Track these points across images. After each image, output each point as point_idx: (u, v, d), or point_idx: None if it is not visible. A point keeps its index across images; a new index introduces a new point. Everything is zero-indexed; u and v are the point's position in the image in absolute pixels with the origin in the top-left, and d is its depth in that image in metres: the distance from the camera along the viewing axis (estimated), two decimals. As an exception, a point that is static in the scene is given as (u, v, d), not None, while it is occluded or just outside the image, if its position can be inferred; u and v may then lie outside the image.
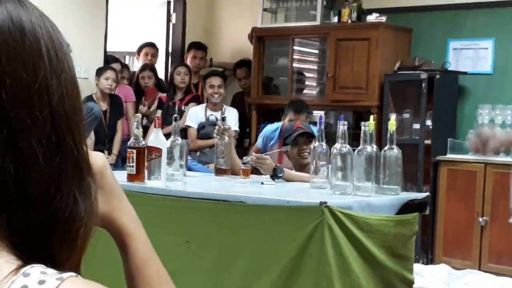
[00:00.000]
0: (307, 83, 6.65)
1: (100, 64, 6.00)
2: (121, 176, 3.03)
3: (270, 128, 4.40)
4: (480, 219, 5.01)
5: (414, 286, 2.98)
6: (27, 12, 0.72)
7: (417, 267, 3.27)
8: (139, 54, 6.72)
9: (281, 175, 3.38)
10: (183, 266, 2.74)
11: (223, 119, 3.88)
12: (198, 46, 6.73)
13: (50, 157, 0.69)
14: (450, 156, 5.29)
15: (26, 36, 0.70)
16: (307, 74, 6.63)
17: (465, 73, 5.62)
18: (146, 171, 2.97)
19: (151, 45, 6.71)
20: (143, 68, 6.48)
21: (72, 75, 0.74)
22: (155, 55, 6.70)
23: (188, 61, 6.63)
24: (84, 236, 0.72)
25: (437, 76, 5.41)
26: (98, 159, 0.81)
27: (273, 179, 3.37)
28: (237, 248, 2.67)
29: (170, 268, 2.70)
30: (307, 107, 4.76)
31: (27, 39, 0.70)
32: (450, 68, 5.66)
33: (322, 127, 3.11)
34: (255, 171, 3.66)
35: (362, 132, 2.88)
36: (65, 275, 0.64)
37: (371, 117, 2.96)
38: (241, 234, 2.66)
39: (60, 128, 0.71)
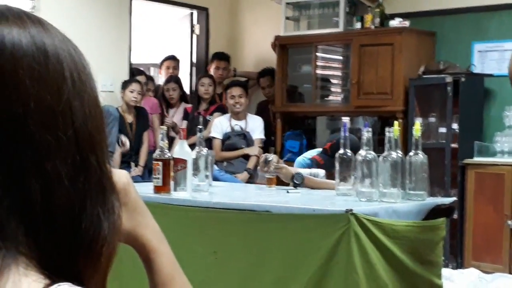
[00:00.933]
0: (331, 89, 6.64)
1: (126, 77, 6.06)
2: (147, 188, 3.05)
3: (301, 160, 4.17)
4: (509, 222, 4.95)
5: (443, 291, 2.96)
6: (50, 36, 0.73)
7: (446, 272, 3.24)
8: (161, 68, 6.80)
9: (299, 182, 3.37)
10: (211, 276, 2.75)
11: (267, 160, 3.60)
12: (221, 57, 6.77)
13: (75, 177, 0.71)
14: (477, 159, 5.24)
15: (49, 60, 0.72)
16: (331, 81, 6.62)
17: (491, 75, 5.57)
18: (172, 183, 2.99)
19: (172, 58, 6.78)
20: (168, 80, 6.53)
21: (95, 96, 0.76)
22: (176, 67, 6.75)
23: (212, 72, 6.67)
24: (109, 253, 0.74)
25: (463, 79, 5.37)
26: (121, 177, 0.83)
27: (295, 187, 3.36)
28: (265, 257, 2.67)
29: (198, 279, 2.72)
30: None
31: (50, 62, 0.72)
32: (476, 71, 5.62)
33: (347, 134, 3.11)
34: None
35: (386, 138, 2.88)
36: (92, 293, 0.66)
37: (396, 123, 2.95)
38: (268, 244, 2.66)
39: (84, 148, 0.72)
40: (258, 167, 3.62)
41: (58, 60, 0.73)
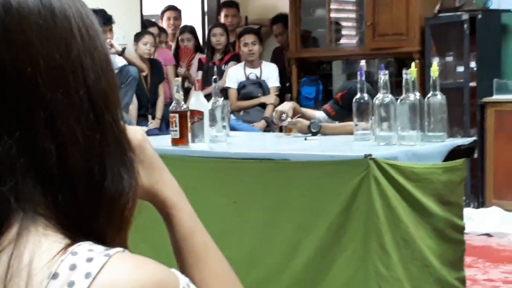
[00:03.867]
0: (345, 32, 6.56)
1: (138, 29, 6.02)
2: (165, 141, 3.06)
3: None
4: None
5: (465, 231, 2.96)
6: (55, -8, 0.72)
7: (468, 212, 3.24)
8: (162, 19, 6.69)
9: (316, 130, 3.34)
10: (232, 226, 2.77)
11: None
12: (229, 4, 6.68)
13: (90, 135, 0.70)
14: (496, 97, 5.18)
15: (56, 17, 0.71)
16: (345, 24, 6.53)
17: (508, 10, 5.46)
18: (189, 135, 2.99)
19: (173, 8, 6.67)
20: (182, 30, 6.47)
21: (105, 52, 0.75)
22: (177, 17, 6.66)
23: (222, 21, 6.59)
24: (131, 210, 0.73)
25: (479, 16, 5.27)
26: (136, 133, 0.82)
27: (313, 135, 3.34)
28: (284, 205, 2.68)
29: (219, 229, 2.74)
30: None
31: (57, 19, 0.71)
32: (492, 7, 5.50)
33: (363, 78, 3.07)
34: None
35: (404, 80, 2.84)
36: (112, 251, 0.66)
37: (413, 64, 2.91)
38: (287, 192, 2.67)
39: (98, 106, 0.71)
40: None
41: (65, 17, 0.71)
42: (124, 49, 5.50)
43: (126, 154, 0.74)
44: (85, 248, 0.66)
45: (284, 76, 6.10)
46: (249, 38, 5.76)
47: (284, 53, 6.49)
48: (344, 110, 3.43)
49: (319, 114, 3.67)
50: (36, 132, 0.68)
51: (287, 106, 3.46)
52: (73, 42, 0.71)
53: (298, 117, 3.47)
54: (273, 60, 6.36)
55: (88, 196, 0.69)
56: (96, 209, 0.70)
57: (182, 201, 0.86)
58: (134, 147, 0.78)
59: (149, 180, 0.83)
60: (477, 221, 3.30)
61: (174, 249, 0.85)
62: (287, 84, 6.27)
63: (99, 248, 0.66)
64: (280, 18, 6.46)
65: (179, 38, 6.46)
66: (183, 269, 0.83)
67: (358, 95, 3.03)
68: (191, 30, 6.49)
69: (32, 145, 0.68)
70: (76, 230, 0.69)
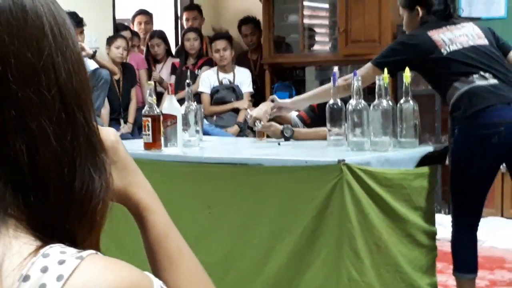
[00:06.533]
0: (319, 39, 6.58)
1: (110, 32, 5.98)
2: (137, 145, 3.03)
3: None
4: (501, 167, 4.97)
5: (437, 237, 2.98)
6: (27, -10, 0.70)
7: (439, 218, 3.26)
8: (133, 23, 6.64)
9: (289, 135, 3.35)
10: (206, 230, 2.76)
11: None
12: (190, 7, 6.66)
13: (62, 135, 0.69)
14: (467, 104, 5.22)
15: (28, 15, 0.69)
16: (318, 30, 6.56)
17: (478, 19, 5.52)
18: (162, 139, 2.97)
19: (144, 12, 6.63)
20: (152, 36, 6.43)
21: (78, 51, 0.74)
22: (149, 22, 6.62)
23: (185, 25, 6.56)
24: (101, 212, 0.72)
25: (451, 24, 5.32)
26: (109, 134, 0.81)
27: (286, 140, 3.34)
28: (258, 210, 2.67)
29: (193, 234, 2.72)
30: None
31: (29, 17, 0.69)
32: (464, 15, 5.55)
33: (336, 84, 3.08)
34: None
35: (376, 86, 2.85)
36: (85, 253, 0.65)
37: (385, 70, 2.93)
38: (261, 197, 2.66)
39: (70, 105, 0.70)
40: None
41: (37, 15, 0.70)
42: (95, 52, 5.46)
43: (98, 155, 0.73)
44: (57, 250, 0.64)
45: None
46: (220, 44, 5.76)
47: (249, 56, 6.47)
48: (319, 118, 3.44)
49: (295, 114, 3.68)
50: (6, 131, 0.66)
51: (262, 110, 3.45)
52: (44, 40, 0.70)
53: (272, 119, 3.47)
54: (238, 65, 6.34)
55: (58, 196, 0.68)
56: (67, 210, 0.69)
57: (155, 204, 0.85)
58: (107, 148, 0.76)
59: (122, 182, 0.82)
60: (449, 227, 3.32)
61: (147, 252, 0.84)
62: (253, 87, 6.24)
63: (71, 251, 0.65)
64: (249, 20, 6.45)
65: (149, 44, 6.42)
66: (157, 273, 0.82)
67: (331, 101, 3.04)
68: (160, 35, 6.43)
69: (2, 144, 0.66)
70: (47, 232, 0.67)
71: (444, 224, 3.71)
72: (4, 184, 0.66)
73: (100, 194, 0.71)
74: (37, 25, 0.70)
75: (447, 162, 3.13)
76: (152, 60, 6.40)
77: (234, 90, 5.79)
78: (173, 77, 6.15)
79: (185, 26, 6.48)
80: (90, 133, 0.72)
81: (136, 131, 5.66)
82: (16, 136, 0.67)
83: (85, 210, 0.70)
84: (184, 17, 6.61)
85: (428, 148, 3.01)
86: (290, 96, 6.19)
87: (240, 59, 6.46)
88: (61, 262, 0.63)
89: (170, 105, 3.01)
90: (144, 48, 6.54)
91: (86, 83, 0.73)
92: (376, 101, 2.84)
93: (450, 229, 3.15)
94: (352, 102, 2.87)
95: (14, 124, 0.67)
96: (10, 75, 0.67)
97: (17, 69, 0.67)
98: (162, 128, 2.96)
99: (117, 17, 6.28)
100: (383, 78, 2.85)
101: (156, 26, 6.70)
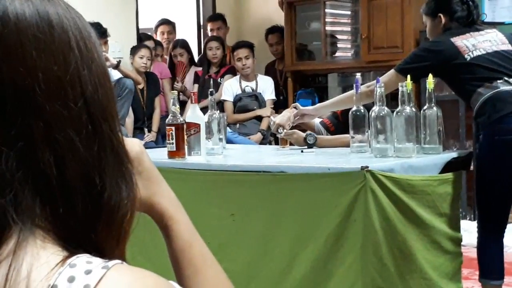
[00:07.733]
0: (341, 45, 6.57)
1: (134, 42, 6.03)
2: (161, 154, 3.05)
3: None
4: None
5: (462, 243, 2.96)
6: (53, 5, 0.72)
7: (465, 224, 3.24)
8: (155, 34, 6.68)
9: (312, 142, 3.34)
10: (230, 238, 2.76)
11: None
12: (214, 18, 6.66)
13: (89, 147, 0.70)
14: (492, 109, 5.18)
15: (54, 29, 0.71)
16: (340, 37, 6.55)
17: (502, 23, 5.48)
18: (186, 147, 2.99)
19: (166, 22, 6.66)
20: (174, 45, 6.46)
21: (103, 64, 0.75)
22: (171, 31, 6.65)
23: (209, 35, 6.58)
24: (129, 222, 0.73)
25: (474, 29, 5.28)
26: (134, 145, 0.82)
27: (309, 147, 3.34)
28: (282, 218, 2.67)
29: (217, 242, 2.73)
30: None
31: (55, 32, 0.71)
32: (487, 20, 5.51)
33: (359, 90, 3.07)
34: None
35: (400, 92, 2.85)
36: (111, 263, 0.65)
37: (408, 76, 2.92)
38: (285, 204, 2.66)
39: (96, 117, 0.71)
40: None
41: (63, 29, 0.71)
42: (119, 62, 5.51)
43: (125, 166, 0.74)
44: (84, 260, 0.66)
45: (277, 89, 6.09)
46: (242, 53, 5.78)
47: (275, 66, 6.48)
48: (343, 125, 3.43)
49: (318, 121, 3.68)
50: (35, 143, 0.68)
51: (285, 117, 3.45)
52: (71, 54, 0.71)
53: (295, 126, 3.47)
54: (266, 74, 6.35)
55: (86, 207, 0.69)
56: (95, 221, 0.70)
57: (179, 213, 0.86)
58: (132, 158, 0.77)
59: (147, 192, 0.83)
60: (474, 233, 3.29)
61: (172, 261, 0.85)
62: (281, 97, 6.25)
63: (98, 261, 0.66)
64: (276, 29, 6.46)
65: (172, 54, 6.45)
66: (181, 281, 0.83)
67: (354, 108, 3.04)
68: (183, 44, 6.45)
69: (31, 157, 0.67)
70: (74, 242, 0.68)
71: (469, 230, 3.68)
72: (32, 196, 0.67)
73: (127, 205, 0.72)
74: (63, 39, 0.71)
75: (472, 167, 3.11)
76: (176, 70, 6.40)
77: (256, 98, 5.81)
78: (196, 85, 6.17)
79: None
80: (116, 144, 0.73)
81: (160, 140, 5.69)
82: (44, 149, 0.68)
83: (113, 221, 0.71)
84: (208, 28, 6.63)
85: (452, 154, 2.99)
86: (313, 103, 6.19)
87: (268, 69, 6.47)
88: (88, 272, 0.64)
89: (194, 113, 3.02)
90: (167, 58, 6.57)
91: (111, 95, 0.75)
92: (399, 108, 2.84)
93: (476, 235, 3.12)
94: (375, 108, 2.86)
95: (42, 137, 0.68)
96: (38, 88, 0.68)
97: (44, 83, 0.68)
98: (185, 137, 2.98)
99: (140, 26, 6.33)
100: (406, 85, 2.84)
101: (178, 35, 6.74)
